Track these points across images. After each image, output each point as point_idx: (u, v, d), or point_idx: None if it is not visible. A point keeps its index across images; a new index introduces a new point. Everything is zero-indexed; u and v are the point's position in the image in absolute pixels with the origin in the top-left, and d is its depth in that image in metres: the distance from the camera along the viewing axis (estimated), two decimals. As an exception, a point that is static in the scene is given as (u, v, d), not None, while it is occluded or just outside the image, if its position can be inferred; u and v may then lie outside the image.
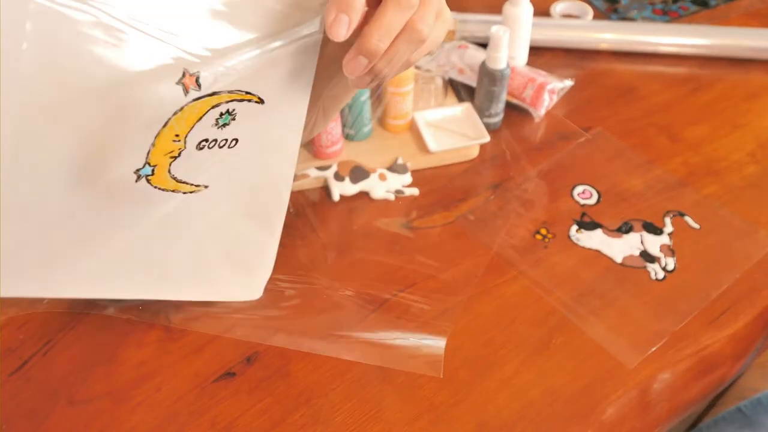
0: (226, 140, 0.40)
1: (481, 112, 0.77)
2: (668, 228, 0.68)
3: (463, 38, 0.88)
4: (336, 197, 0.71)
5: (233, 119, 0.39)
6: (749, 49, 0.87)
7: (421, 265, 0.65)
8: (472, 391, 0.56)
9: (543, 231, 0.68)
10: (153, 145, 0.38)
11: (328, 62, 0.46)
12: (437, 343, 0.58)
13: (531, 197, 0.71)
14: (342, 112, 0.72)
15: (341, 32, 0.37)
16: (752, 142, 0.77)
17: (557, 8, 0.96)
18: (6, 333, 0.60)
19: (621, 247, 0.66)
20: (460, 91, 0.82)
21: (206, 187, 0.43)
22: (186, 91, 0.37)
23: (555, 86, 0.80)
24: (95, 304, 0.61)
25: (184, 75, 0.36)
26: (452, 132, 0.76)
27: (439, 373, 0.57)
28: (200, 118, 0.38)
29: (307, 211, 0.70)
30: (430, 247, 0.67)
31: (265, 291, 0.60)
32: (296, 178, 0.72)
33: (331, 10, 0.37)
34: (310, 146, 0.74)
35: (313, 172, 0.72)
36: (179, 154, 0.39)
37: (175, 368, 0.58)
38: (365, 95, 0.72)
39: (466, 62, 0.82)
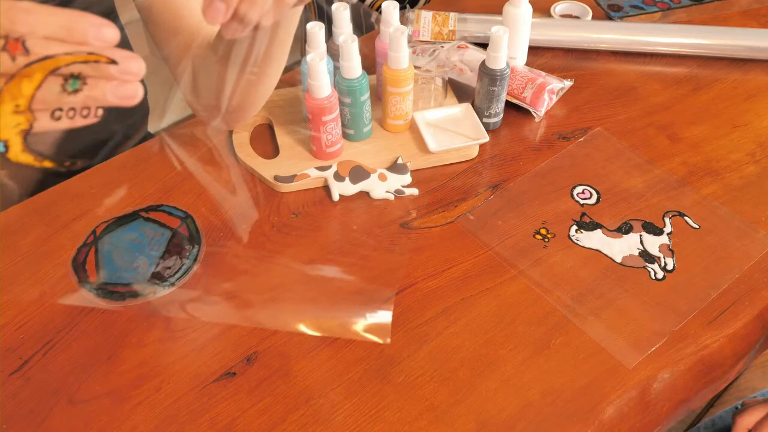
0: (89, 109, 0.37)
1: (481, 112, 0.77)
2: (668, 228, 0.68)
3: (463, 38, 0.88)
4: (336, 197, 0.71)
5: (84, 84, 0.37)
6: (748, 49, 0.87)
7: (421, 265, 0.65)
8: (472, 391, 0.56)
9: (543, 231, 0.68)
10: None
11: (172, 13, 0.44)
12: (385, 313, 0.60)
13: (530, 197, 0.71)
14: (342, 112, 0.72)
15: None
16: (752, 142, 0.77)
17: (557, 8, 0.96)
18: (6, 333, 0.60)
19: (620, 247, 0.66)
20: (459, 91, 0.82)
21: (88, 161, 0.40)
22: (13, 58, 0.35)
23: (555, 86, 0.80)
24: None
25: (6, 41, 0.34)
26: (452, 132, 0.76)
27: (387, 338, 0.58)
28: (39, 86, 0.36)
29: (307, 211, 0.70)
30: (430, 247, 0.67)
31: None
32: (296, 178, 0.72)
33: None
34: (310, 146, 0.74)
35: (313, 172, 0.72)
36: (31, 126, 0.37)
37: (175, 368, 0.58)
38: (365, 95, 0.72)
39: (466, 62, 0.82)
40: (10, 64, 0.35)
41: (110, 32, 0.35)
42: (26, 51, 0.35)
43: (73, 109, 0.37)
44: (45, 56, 0.35)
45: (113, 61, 0.37)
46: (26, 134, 0.37)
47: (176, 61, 0.69)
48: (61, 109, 0.37)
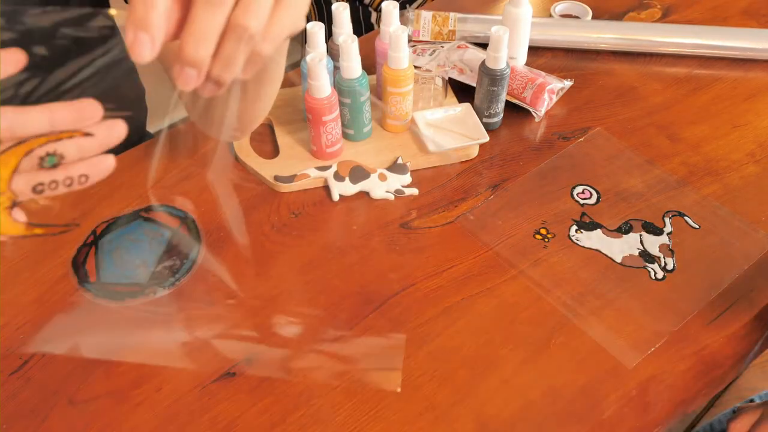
0: (72, 178, 0.38)
1: (481, 112, 0.77)
2: (668, 228, 0.68)
3: (463, 38, 0.88)
4: (336, 197, 0.71)
5: (62, 158, 0.37)
6: (749, 49, 0.87)
7: (421, 265, 0.65)
8: (472, 391, 0.56)
9: (543, 231, 0.68)
10: None
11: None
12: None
13: (530, 197, 0.71)
14: (342, 112, 0.72)
15: (144, 53, 0.34)
16: (752, 142, 0.77)
17: (557, 8, 0.96)
18: (6, 333, 0.60)
19: (620, 247, 0.66)
20: (459, 91, 0.82)
21: (77, 225, 0.41)
22: None
23: (555, 86, 0.80)
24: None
25: None
26: (452, 132, 0.76)
27: (397, 386, 0.56)
28: (16, 169, 0.36)
29: (307, 211, 0.70)
30: (430, 247, 0.67)
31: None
32: (296, 178, 0.72)
33: (128, 29, 0.33)
34: (310, 146, 0.74)
35: (313, 172, 0.72)
36: (14, 203, 0.37)
37: (175, 368, 0.58)
38: (365, 95, 0.72)
39: (466, 62, 0.82)
40: None
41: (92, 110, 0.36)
42: None
43: (55, 181, 0.37)
44: (17, 142, 0.35)
45: (89, 134, 0.37)
46: (11, 209, 0.37)
47: None
48: (42, 183, 0.37)
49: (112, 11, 0.39)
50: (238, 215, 0.70)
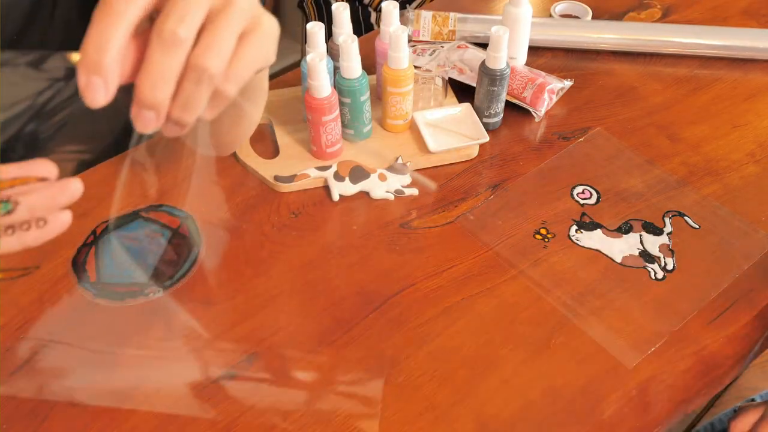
0: (28, 223, 0.37)
1: (481, 112, 0.77)
2: (668, 228, 0.68)
3: (463, 38, 0.88)
4: (336, 197, 0.71)
5: (17, 203, 0.37)
6: (749, 49, 0.87)
7: (421, 265, 0.65)
8: (472, 391, 0.56)
9: (543, 231, 0.68)
10: None
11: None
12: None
13: (530, 197, 0.71)
14: (342, 112, 0.72)
15: (98, 98, 0.32)
16: (752, 142, 0.77)
17: (557, 8, 0.96)
18: (6, 333, 0.60)
19: (620, 247, 0.66)
20: (459, 91, 0.82)
21: (37, 267, 0.40)
22: None
23: (555, 86, 0.80)
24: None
25: None
26: (452, 132, 0.76)
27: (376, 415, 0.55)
28: None
29: (307, 211, 0.70)
30: (430, 247, 0.67)
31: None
32: (296, 178, 0.72)
33: (80, 73, 0.32)
34: (310, 146, 0.74)
35: (313, 172, 0.72)
36: None
37: (175, 368, 0.58)
38: (365, 95, 0.72)
39: (466, 62, 0.82)
40: None
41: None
42: None
43: (11, 227, 0.36)
44: None
45: (44, 179, 0.37)
46: None
47: None
48: None
49: (73, 56, 0.38)
50: (238, 215, 0.70)
